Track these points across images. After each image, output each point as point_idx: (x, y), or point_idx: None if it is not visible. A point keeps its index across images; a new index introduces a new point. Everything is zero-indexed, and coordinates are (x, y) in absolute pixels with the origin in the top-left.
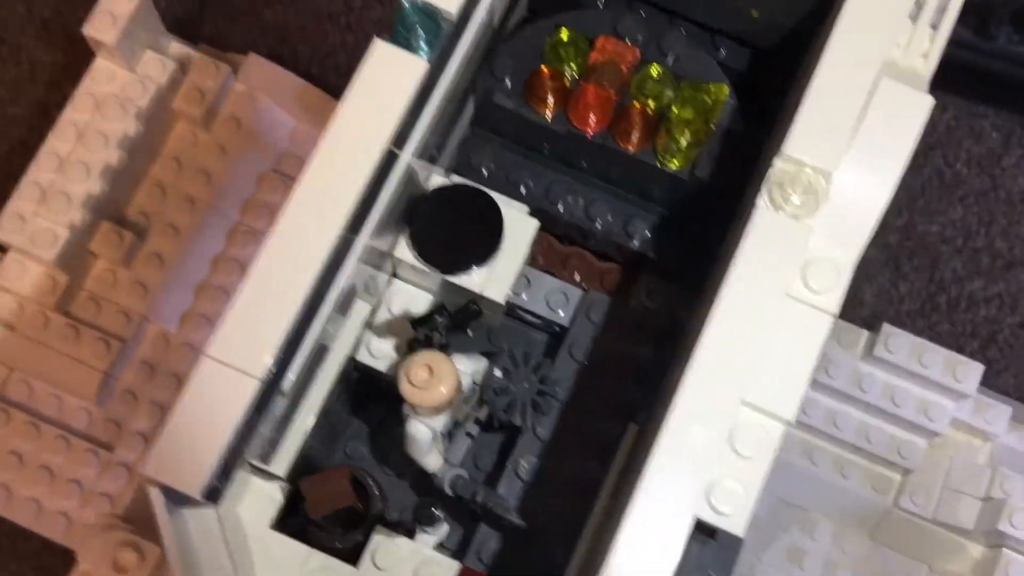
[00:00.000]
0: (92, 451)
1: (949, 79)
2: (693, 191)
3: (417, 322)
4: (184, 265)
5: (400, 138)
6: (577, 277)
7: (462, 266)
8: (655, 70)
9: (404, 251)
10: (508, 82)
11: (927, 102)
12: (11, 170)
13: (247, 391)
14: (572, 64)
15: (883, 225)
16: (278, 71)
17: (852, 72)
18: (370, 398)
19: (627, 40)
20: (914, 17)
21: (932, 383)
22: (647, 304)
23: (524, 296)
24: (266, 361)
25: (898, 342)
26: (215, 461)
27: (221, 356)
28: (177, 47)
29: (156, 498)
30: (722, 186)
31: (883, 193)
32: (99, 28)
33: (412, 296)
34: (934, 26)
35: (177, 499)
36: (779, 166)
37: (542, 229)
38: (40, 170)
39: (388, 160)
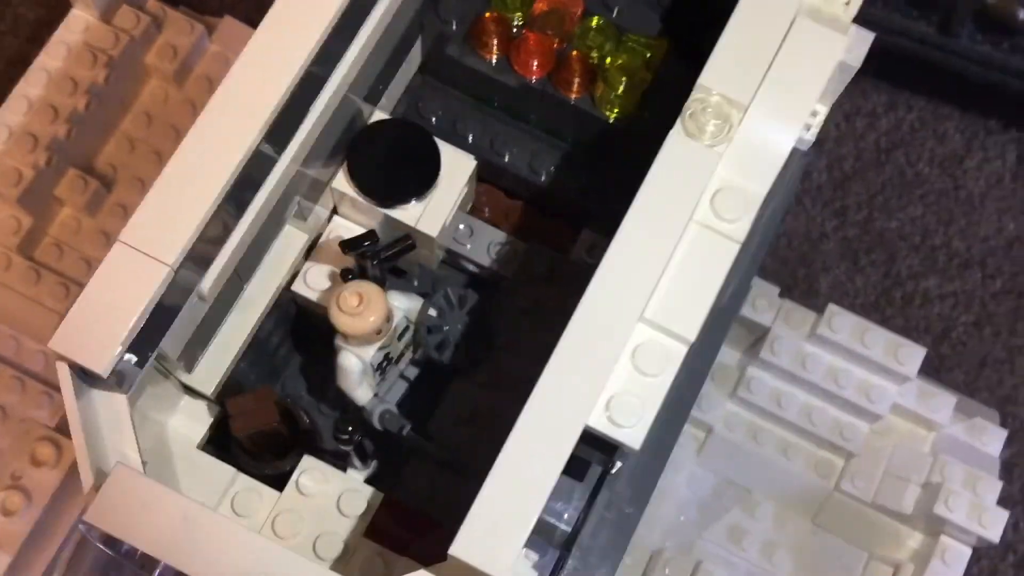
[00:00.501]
0: (47, 393)
1: (913, 78)
2: (631, 141)
3: (347, 244)
4: None
5: (328, 57)
6: (521, 230)
7: (398, 199)
8: (596, 21)
9: (342, 182)
10: (454, 25)
11: (840, 40)
12: None
13: (157, 276)
14: (518, 12)
15: (842, 219)
16: (251, 32)
17: (769, 11)
18: (309, 334)
19: None
20: None
21: (874, 364)
22: (587, 259)
23: (468, 245)
24: (176, 249)
25: (841, 322)
26: (122, 341)
27: (132, 241)
28: (154, 4)
29: (63, 372)
30: (661, 137)
31: (792, 128)
32: None
33: (351, 231)
34: None
35: (86, 378)
36: (694, 96)
37: (488, 182)
38: (9, 112)
39: (315, 77)
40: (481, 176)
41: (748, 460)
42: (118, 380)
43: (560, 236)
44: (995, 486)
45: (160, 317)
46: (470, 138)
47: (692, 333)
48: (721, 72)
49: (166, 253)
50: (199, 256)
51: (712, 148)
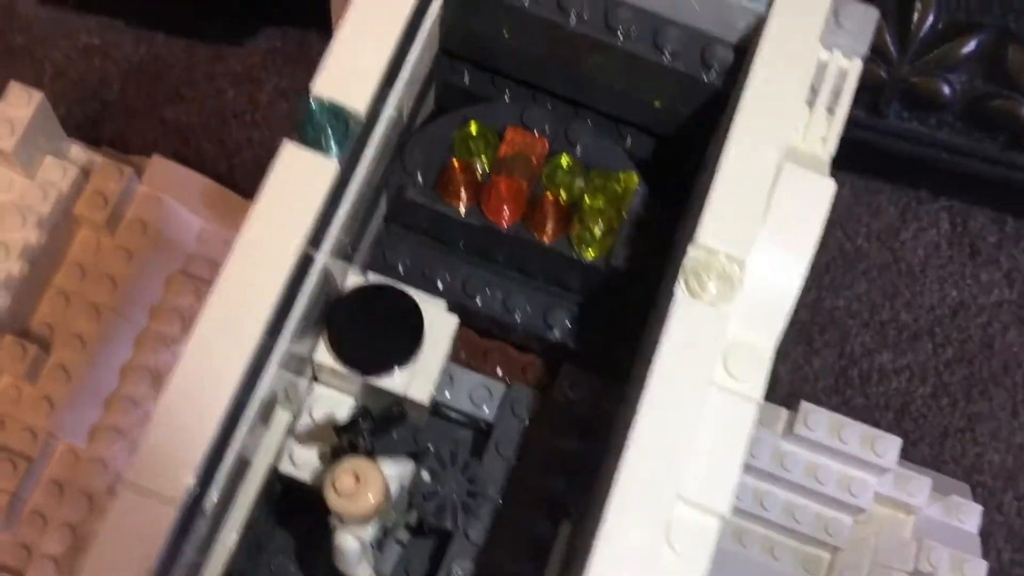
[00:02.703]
0: None
1: (845, 157)
2: (610, 279)
3: (342, 429)
4: (91, 376)
5: (315, 239)
6: (499, 371)
7: (383, 367)
8: (565, 160)
9: (323, 354)
10: (419, 177)
11: (830, 186)
12: None
13: (167, 516)
14: (482, 156)
15: None
16: (183, 171)
17: (755, 161)
18: (295, 509)
19: (535, 131)
20: (811, 102)
21: (852, 458)
22: (570, 395)
23: (447, 393)
24: (186, 482)
25: (817, 419)
26: None
27: (138, 480)
28: (78, 151)
29: None
30: (638, 273)
31: (795, 278)
32: None
33: (334, 400)
34: (830, 110)
35: None
36: (692, 254)
37: (462, 324)
38: None
39: (304, 263)
40: None
41: (735, 563)
42: None
43: (540, 373)
44: (981, 567)
45: (170, 555)
46: (439, 284)
47: (726, 506)
48: (716, 228)
49: (174, 488)
50: (204, 478)
51: (718, 309)
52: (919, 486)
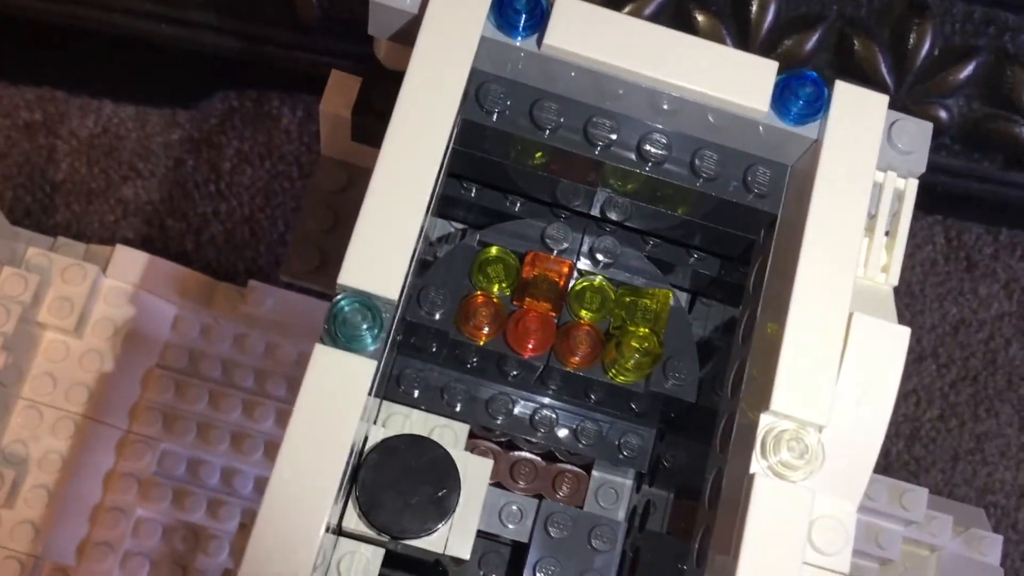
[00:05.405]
0: None
1: None
2: (639, 399)
3: None
4: (73, 491)
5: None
6: (527, 485)
7: (421, 529)
8: (597, 280)
9: (353, 519)
10: (438, 315)
11: (905, 334)
12: None
13: None
14: (502, 284)
15: None
16: (149, 259)
17: (824, 314)
18: None
19: (554, 249)
20: (868, 228)
21: (881, 513)
22: (599, 504)
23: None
24: None
25: None
26: None
27: None
28: (35, 252)
29: None
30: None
31: (876, 439)
32: None
33: (362, 556)
34: (888, 234)
35: None
36: (767, 423)
37: (484, 439)
38: None
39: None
40: (474, 432)
41: None
42: None
43: (567, 482)
44: None
45: None
46: (459, 407)
47: None
48: (791, 394)
49: None
50: None
51: (802, 486)
52: (942, 526)
